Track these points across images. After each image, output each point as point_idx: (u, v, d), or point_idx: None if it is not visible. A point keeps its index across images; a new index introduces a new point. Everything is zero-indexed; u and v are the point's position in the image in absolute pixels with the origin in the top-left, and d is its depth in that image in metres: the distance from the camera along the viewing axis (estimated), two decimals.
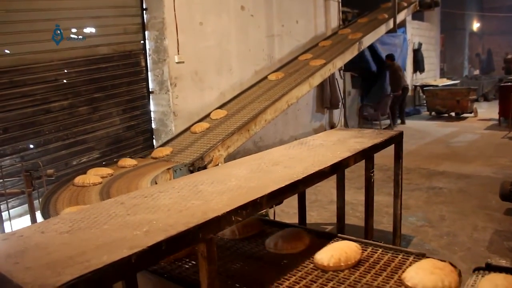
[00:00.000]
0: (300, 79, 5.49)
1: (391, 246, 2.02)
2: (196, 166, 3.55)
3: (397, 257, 1.89)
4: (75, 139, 4.72)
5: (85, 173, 3.32)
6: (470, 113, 11.01)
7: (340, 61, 6.48)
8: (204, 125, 4.62)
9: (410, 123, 10.63)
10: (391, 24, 7.98)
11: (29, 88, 4.31)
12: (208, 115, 4.99)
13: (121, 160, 3.71)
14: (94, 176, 3.21)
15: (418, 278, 1.58)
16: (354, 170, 4.70)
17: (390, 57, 10.00)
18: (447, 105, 11.09)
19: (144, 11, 5.32)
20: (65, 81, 4.60)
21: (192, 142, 4.24)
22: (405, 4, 9.47)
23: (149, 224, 1.41)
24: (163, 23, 5.26)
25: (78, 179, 3.14)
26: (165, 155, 3.96)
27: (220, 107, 5.27)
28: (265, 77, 6.09)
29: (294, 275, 1.79)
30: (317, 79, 5.70)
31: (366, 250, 1.97)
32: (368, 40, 7.26)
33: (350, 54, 6.69)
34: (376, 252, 1.95)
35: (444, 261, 1.71)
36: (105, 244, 1.27)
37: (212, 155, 3.80)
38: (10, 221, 3.28)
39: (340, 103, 8.91)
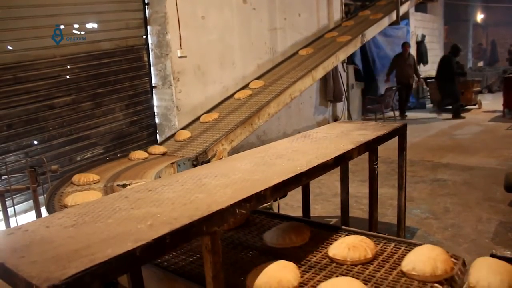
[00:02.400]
0: (329, 53, 5.89)
1: (394, 237, 2.02)
2: (199, 160, 3.55)
3: (400, 248, 1.91)
4: (79, 135, 4.73)
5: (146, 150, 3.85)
6: (474, 105, 10.96)
7: (343, 54, 6.45)
8: (248, 91, 5.19)
9: (414, 115, 10.60)
10: (394, 16, 7.92)
11: (32, 85, 4.32)
12: (238, 90, 5.34)
13: (177, 134, 4.27)
14: (142, 152, 3.73)
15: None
16: (358, 163, 4.70)
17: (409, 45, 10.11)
18: None
19: (146, 6, 5.31)
20: (68, 77, 4.60)
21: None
22: None
23: (153, 217, 1.42)
24: (165, 17, 5.25)
25: (131, 155, 3.66)
26: (211, 120, 4.51)
27: (258, 77, 5.83)
28: (296, 52, 6.58)
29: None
30: (320, 72, 5.67)
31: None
32: (371, 33, 7.22)
33: (353, 47, 6.67)
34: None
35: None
36: (109, 237, 1.28)
37: (216, 149, 3.80)
38: (15, 217, 3.30)
39: (344, 96, 8.89)
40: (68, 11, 4.55)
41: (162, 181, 1.96)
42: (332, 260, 1.83)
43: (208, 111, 4.85)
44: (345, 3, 9.12)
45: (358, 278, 1.66)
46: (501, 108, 9.72)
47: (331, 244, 1.94)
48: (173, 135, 4.37)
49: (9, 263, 1.16)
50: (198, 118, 4.68)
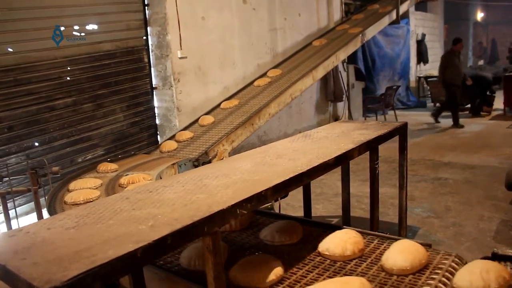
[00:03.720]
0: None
1: (395, 236, 2.02)
2: (200, 161, 3.55)
3: (325, 232, 2.01)
4: (80, 136, 4.73)
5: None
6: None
7: (344, 53, 6.45)
8: (267, 78, 5.54)
9: (415, 114, 10.60)
10: (394, 15, 7.92)
11: (33, 86, 4.32)
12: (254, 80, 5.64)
13: (201, 119, 4.61)
14: (172, 142, 4.15)
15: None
16: (359, 163, 4.71)
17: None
18: None
19: (146, 7, 5.31)
20: (68, 78, 4.61)
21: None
22: None
23: (154, 218, 1.42)
24: (165, 18, 5.25)
25: (162, 146, 4.04)
26: (232, 106, 4.84)
27: (275, 67, 6.16)
28: (310, 43, 6.97)
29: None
30: (320, 72, 5.68)
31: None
32: (371, 32, 7.23)
33: (353, 46, 6.67)
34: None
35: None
36: (111, 238, 1.28)
37: (217, 149, 3.80)
38: (17, 219, 3.31)
39: (344, 96, 8.88)
40: (69, 13, 4.55)
41: (163, 182, 1.96)
42: (262, 241, 2.06)
43: (229, 98, 5.22)
44: (345, 2, 9.12)
45: (279, 256, 1.83)
46: (502, 106, 9.71)
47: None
48: (197, 120, 4.67)
49: (10, 265, 1.16)
50: (219, 105, 4.99)
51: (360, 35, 6.72)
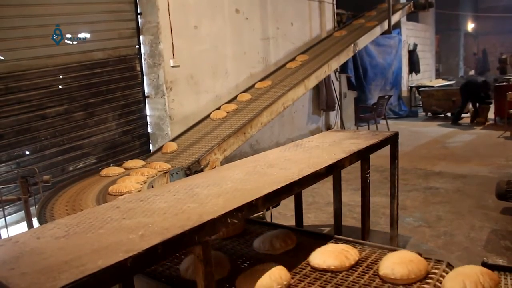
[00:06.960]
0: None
1: (387, 246, 2.02)
2: (192, 170, 3.55)
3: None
4: (71, 145, 4.71)
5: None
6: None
7: (336, 63, 6.50)
8: (298, 62, 6.54)
9: (406, 124, 10.66)
10: (386, 25, 8.01)
11: (24, 94, 4.30)
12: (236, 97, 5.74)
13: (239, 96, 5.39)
14: (220, 110, 4.96)
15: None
16: (351, 172, 4.71)
17: None
18: (443, 106, 11.11)
19: (139, 16, 5.32)
20: (60, 86, 4.59)
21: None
22: (400, 6, 9.55)
23: (145, 227, 1.41)
24: (158, 27, 5.26)
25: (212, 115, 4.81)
26: (266, 86, 5.62)
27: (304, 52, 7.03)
28: (331, 34, 7.98)
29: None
30: (312, 81, 5.71)
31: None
32: (363, 42, 7.29)
33: (345, 56, 6.72)
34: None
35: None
36: (100, 248, 1.27)
37: (209, 158, 3.80)
38: (6, 228, 3.28)
39: (336, 105, 8.93)
40: (61, 21, 4.54)
41: (154, 191, 1.96)
42: (255, 251, 2.08)
43: (263, 79, 6.03)
44: (337, 12, 9.19)
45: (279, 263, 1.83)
46: (492, 116, 9.80)
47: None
48: (235, 97, 5.42)
49: None
50: (253, 85, 5.77)
51: (353, 44, 6.78)
